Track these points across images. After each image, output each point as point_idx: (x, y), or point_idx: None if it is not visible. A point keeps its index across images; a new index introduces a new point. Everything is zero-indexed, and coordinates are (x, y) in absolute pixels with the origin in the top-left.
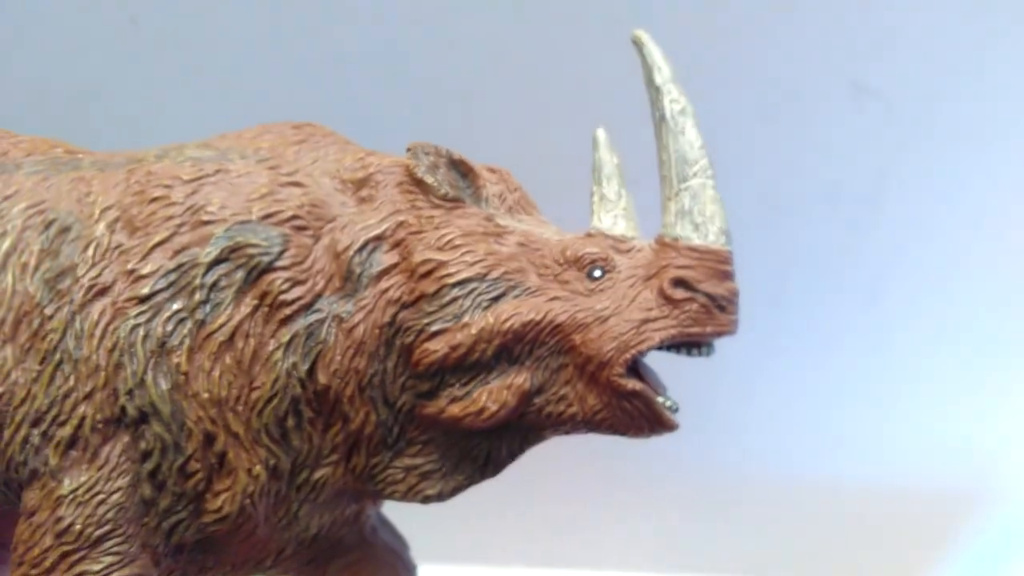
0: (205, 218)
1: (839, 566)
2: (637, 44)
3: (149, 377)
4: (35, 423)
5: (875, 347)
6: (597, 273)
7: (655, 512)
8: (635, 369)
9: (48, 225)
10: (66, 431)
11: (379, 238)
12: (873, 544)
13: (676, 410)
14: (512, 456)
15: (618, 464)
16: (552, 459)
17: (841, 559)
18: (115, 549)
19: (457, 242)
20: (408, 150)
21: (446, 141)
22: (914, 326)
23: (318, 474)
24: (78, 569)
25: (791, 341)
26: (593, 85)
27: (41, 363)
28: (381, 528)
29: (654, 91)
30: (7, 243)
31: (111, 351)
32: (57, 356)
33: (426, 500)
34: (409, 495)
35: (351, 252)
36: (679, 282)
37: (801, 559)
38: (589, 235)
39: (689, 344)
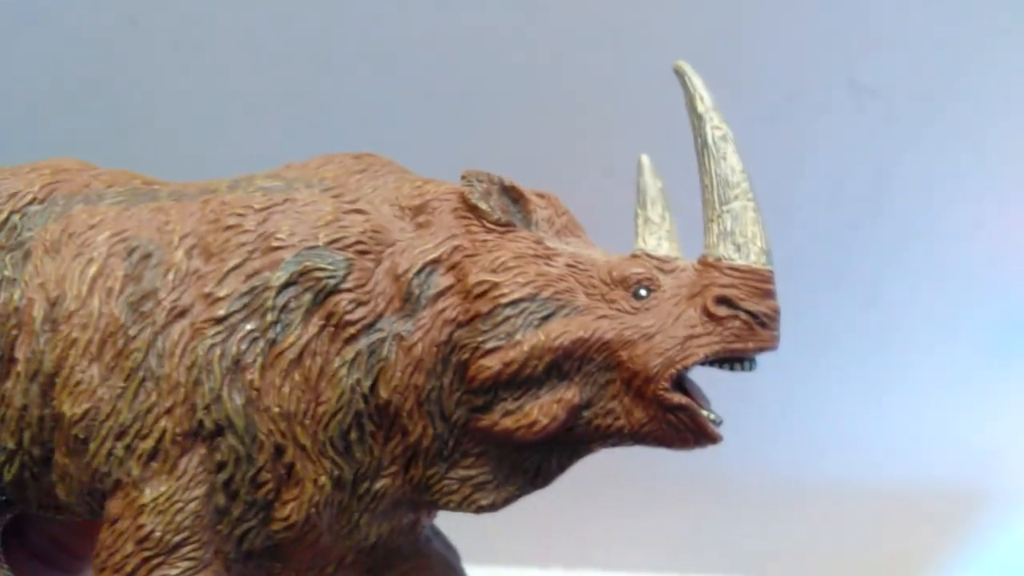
0: (275, 244)
1: (839, 566)
2: (679, 74)
3: (225, 393)
4: (119, 436)
5: (875, 347)
6: (643, 292)
7: (655, 512)
8: (680, 384)
9: (131, 252)
10: (148, 444)
11: (436, 261)
12: (873, 544)
13: (720, 423)
14: (561, 468)
15: (618, 464)
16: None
17: (841, 559)
18: (191, 554)
19: (510, 264)
20: (462, 177)
21: (495, 167)
22: (914, 326)
23: (378, 484)
24: (157, 573)
25: (791, 341)
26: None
27: (126, 380)
28: (434, 538)
29: (696, 118)
30: (94, 269)
31: (190, 368)
32: (141, 374)
33: (480, 510)
34: (464, 505)
35: (410, 275)
36: (722, 300)
37: (801, 559)
38: (634, 256)
39: (732, 359)
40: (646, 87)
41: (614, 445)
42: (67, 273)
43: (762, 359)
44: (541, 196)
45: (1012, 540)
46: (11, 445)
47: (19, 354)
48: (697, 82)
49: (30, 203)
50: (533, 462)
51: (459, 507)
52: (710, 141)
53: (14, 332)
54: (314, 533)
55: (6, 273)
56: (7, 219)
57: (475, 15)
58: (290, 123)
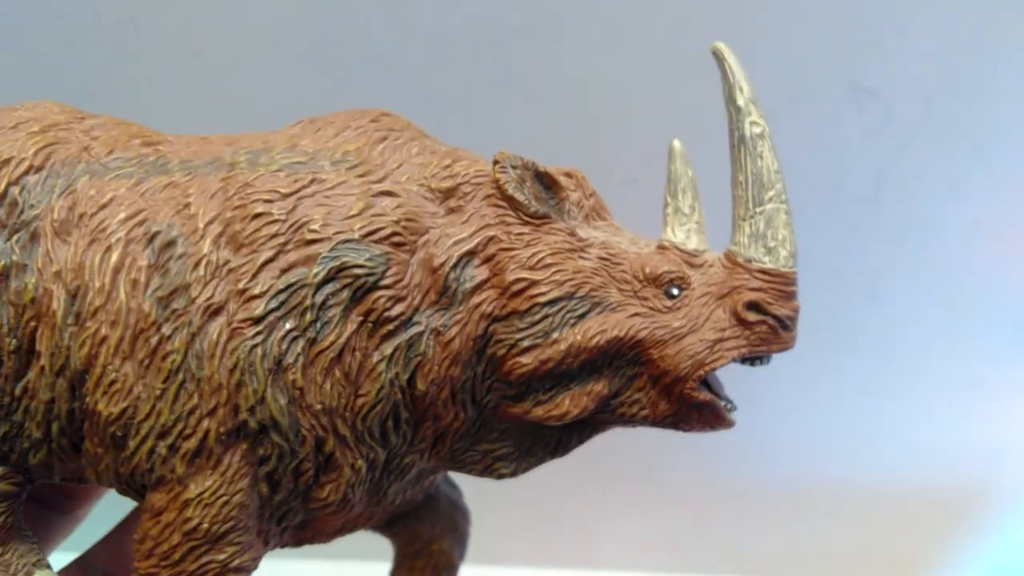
0: (309, 237)
1: (839, 566)
2: (717, 56)
3: (269, 394)
4: (161, 436)
5: (874, 347)
6: (675, 291)
7: (655, 512)
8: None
9: (152, 238)
10: (192, 443)
11: (471, 253)
12: (873, 544)
13: (734, 410)
14: (580, 442)
15: (618, 464)
16: (552, 459)
17: (841, 559)
18: (237, 540)
19: (547, 261)
20: (495, 162)
21: (520, 149)
22: (914, 326)
23: (407, 459)
24: (204, 559)
25: None
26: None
27: (165, 381)
28: (441, 481)
29: (734, 110)
30: (114, 258)
31: (232, 370)
32: (180, 376)
33: (500, 477)
34: (485, 472)
35: (447, 268)
36: (752, 306)
37: (801, 559)
38: (662, 248)
39: (752, 358)
40: (641, 96)
41: (632, 426)
42: (85, 262)
43: None
44: (568, 175)
45: (1012, 540)
46: (38, 435)
47: (41, 347)
48: (738, 70)
49: (27, 172)
50: (553, 437)
51: (480, 474)
52: (748, 136)
53: (32, 324)
54: (348, 507)
55: (14, 258)
56: (5, 191)
57: None
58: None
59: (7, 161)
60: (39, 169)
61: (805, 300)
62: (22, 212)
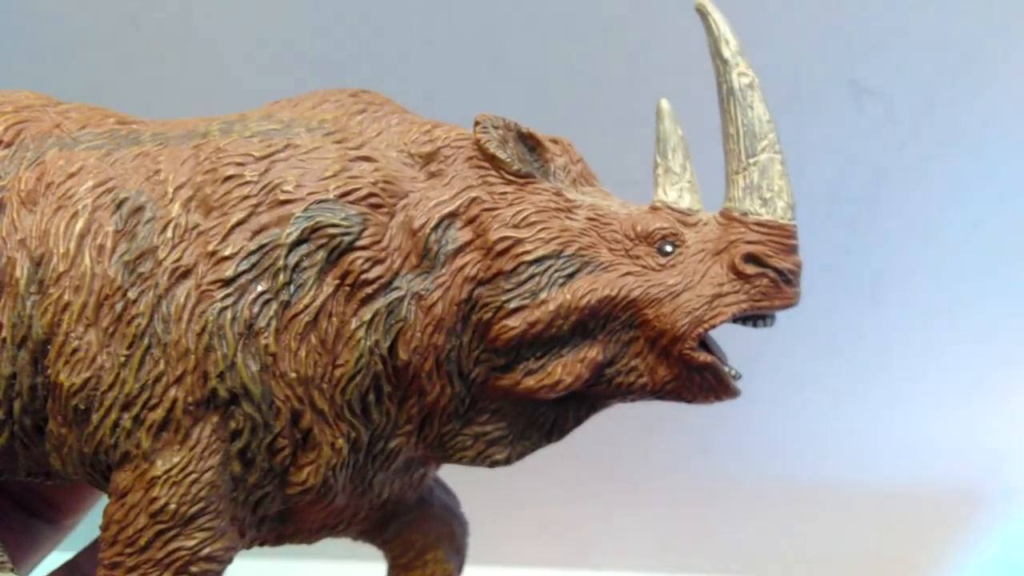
0: (282, 197)
1: (839, 566)
2: (701, 12)
3: (239, 359)
4: (126, 407)
5: (874, 347)
6: (668, 248)
7: (655, 512)
8: (703, 341)
9: (120, 205)
10: (158, 414)
11: (453, 215)
12: (873, 544)
13: (739, 378)
14: (577, 422)
15: (618, 464)
16: (552, 459)
17: (841, 559)
18: (207, 525)
19: (532, 219)
20: (476, 123)
21: (506, 112)
22: (914, 326)
23: (392, 444)
24: (173, 546)
25: (790, 341)
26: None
27: (129, 348)
28: (436, 487)
29: (721, 63)
30: (80, 224)
31: (200, 334)
32: (146, 341)
33: (494, 464)
34: (477, 460)
35: (427, 230)
36: (750, 257)
37: (801, 559)
38: (654, 208)
39: (755, 317)
40: (643, 95)
41: (632, 400)
42: (50, 229)
43: (761, 358)
44: (555, 142)
45: (1012, 540)
46: (0, 416)
47: (3, 318)
48: (722, 24)
49: None
50: (549, 417)
51: (473, 462)
52: (736, 88)
53: None
54: (330, 495)
55: None
56: None
57: None
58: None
59: None
60: (8, 144)
61: (805, 300)
62: None
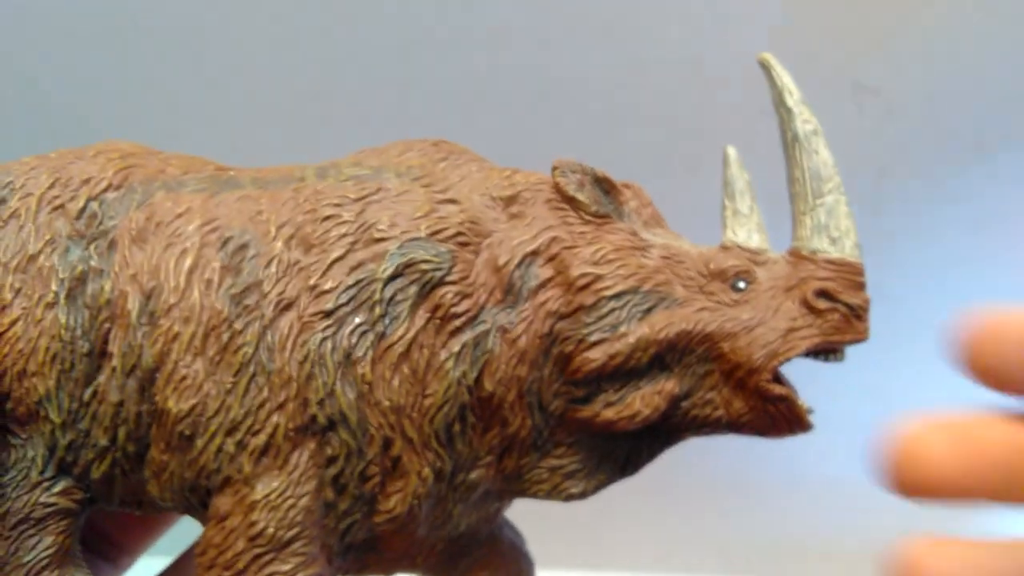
0: (377, 235)
1: (839, 566)
2: (764, 67)
3: (338, 387)
4: (230, 432)
5: (874, 347)
6: (741, 285)
7: (655, 512)
8: (776, 375)
9: (225, 242)
10: (260, 439)
11: (535, 253)
12: (873, 544)
13: (812, 412)
14: (651, 457)
15: None
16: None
17: (841, 559)
18: (301, 550)
19: (611, 256)
20: (554, 168)
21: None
22: (914, 326)
23: (473, 475)
24: (269, 570)
25: None
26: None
27: (235, 375)
28: (504, 525)
29: (785, 112)
30: (189, 260)
31: (302, 363)
32: (251, 369)
33: (569, 498)
34: (553, 493)
35: (511, 266)
36: (821, 293)
37: (801, 559)
38: (725, 247)
39: (826, 351)
40: (645, 100)
41: (707, 434)
42: (160, 264)
43: None
44: (626, 186)
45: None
46: (104, 442)
47: (113, 348)
48: (784, 75)
49: (106, 190)
50: (623, 451)
51: (548, 495)
52: (801, 135)
53: (107, 325)
54: (414, 524)
55: (92, 264)
56: (85, 206)
57: None
58: (295, 124)
59: (88, 180)
60: (118, 187)
61: None
62: (100, 223)
